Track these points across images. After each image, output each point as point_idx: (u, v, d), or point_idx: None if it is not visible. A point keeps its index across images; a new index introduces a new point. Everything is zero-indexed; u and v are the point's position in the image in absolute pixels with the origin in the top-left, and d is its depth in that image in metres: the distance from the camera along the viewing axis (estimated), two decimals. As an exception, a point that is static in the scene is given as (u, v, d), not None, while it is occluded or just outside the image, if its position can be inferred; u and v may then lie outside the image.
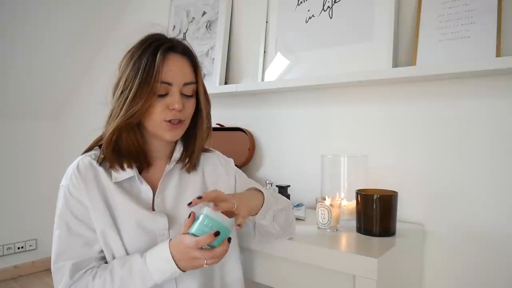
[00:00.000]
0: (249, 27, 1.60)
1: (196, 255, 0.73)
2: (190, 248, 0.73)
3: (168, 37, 0.86)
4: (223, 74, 1.62)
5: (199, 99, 0.89)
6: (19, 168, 2.52)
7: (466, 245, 1.09)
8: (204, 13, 1.72)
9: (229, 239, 0.75)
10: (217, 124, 1.64)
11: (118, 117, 0.80)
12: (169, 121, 0.83)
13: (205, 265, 0.74)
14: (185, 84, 0.84)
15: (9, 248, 2.48)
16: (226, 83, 1.64)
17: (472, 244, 1.08)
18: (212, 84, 1.61)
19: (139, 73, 0.79)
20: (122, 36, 2.18)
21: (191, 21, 1.77)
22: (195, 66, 0.88)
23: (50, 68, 2.23)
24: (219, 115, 1.67)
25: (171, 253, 0.75)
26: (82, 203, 0.82)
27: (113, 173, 0.85)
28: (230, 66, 1.65)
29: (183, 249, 0.74)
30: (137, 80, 0.79)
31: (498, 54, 0.99)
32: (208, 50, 1.67)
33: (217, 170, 0.98)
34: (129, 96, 0.79)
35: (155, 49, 0.80)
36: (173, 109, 0.82)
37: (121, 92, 0.81)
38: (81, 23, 2.09)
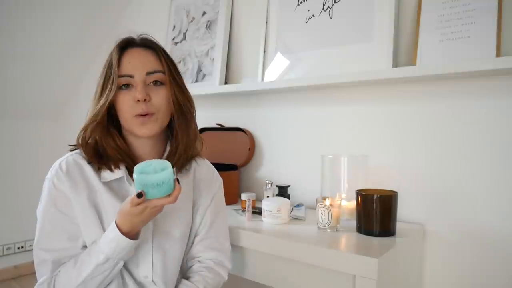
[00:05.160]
0: (249, 27, 1.60)
1: (136, 210, 0.72)
2: (129, 203, 0.72)
3: (133, 36, 0.88)
4: (223, 74, 1.62)
5: (170, 89, 0.85)
6: (19, 168, 2.52)
7: (466, 245, 1.09)
8: (204, 13, 1.72)
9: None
10: (217, 124, 1.64)
11: (87, 118, 0.83)
12: (141, 115, 0.82)
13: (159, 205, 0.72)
14: (149, 73, 0.83)
15: (9, 248, 2.48)
16: (226, 83, 1.64)
17: (472, 244, 1.08)
18: (212, 84, 1.61)
19: (103, 73, 0.84)
20: (122, 36, 2.17)
21: (191, 21, 1.77)
22: (159, 55, 0.86)
23: (50, 68, 2.23)
24: (219, 115, 1.67)
25: (115, 221, 0.75)
26: (66, 196, 0.81)
27: (102, 173, 0.84)
28: (230, 66, 1.65)
29: (124, 209, 0.73)
30: (101, 80, 0.84)
31: (498, 54, 0.99)
32: (208, 50, 1.67)
33: (203, 180, 0.96)
34: (96, 96, 0.84)
35: (115, 48, 0.85)
36: (138, 100, 0.81)
37: (93, 97, 0.85)
38: (81, 23, 2.09)
